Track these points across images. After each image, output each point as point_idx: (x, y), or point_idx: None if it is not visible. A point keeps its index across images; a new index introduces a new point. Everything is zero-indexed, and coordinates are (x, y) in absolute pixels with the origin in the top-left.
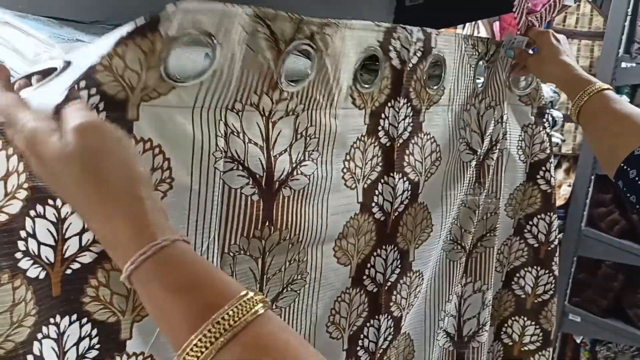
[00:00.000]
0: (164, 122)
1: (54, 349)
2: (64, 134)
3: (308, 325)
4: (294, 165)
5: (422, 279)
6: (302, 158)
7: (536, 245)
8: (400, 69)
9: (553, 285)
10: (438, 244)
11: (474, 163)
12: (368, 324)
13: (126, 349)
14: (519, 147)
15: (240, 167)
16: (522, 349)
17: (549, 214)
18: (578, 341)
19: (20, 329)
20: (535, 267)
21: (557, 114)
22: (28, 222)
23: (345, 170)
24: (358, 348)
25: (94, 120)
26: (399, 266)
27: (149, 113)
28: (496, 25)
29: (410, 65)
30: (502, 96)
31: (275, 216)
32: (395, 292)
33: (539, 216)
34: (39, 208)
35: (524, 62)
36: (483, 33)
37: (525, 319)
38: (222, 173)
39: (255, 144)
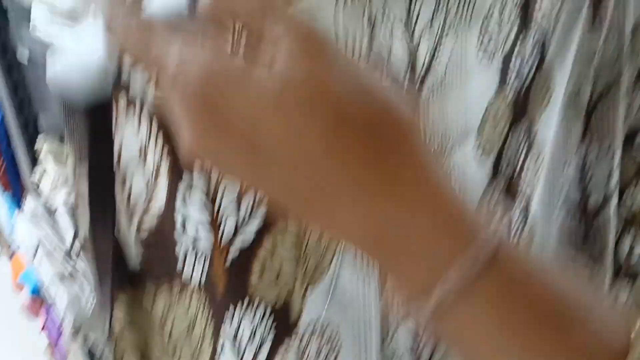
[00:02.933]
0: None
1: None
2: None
3: None
4: (434, 47)
5: (544, 151)
6: (440, 35)
7: None
8: None
9: None
10: (556, 107)
11: None
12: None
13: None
14: None
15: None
16: None
17: None
18: None
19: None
20: None
21: None
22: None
23: (480, 45)
24: None
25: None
26: (526, 143)
27: None
28: None
29: None
30: None
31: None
32: (522, 175)
33: None
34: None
35: None
36: None
37: None
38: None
39: (400, 20)
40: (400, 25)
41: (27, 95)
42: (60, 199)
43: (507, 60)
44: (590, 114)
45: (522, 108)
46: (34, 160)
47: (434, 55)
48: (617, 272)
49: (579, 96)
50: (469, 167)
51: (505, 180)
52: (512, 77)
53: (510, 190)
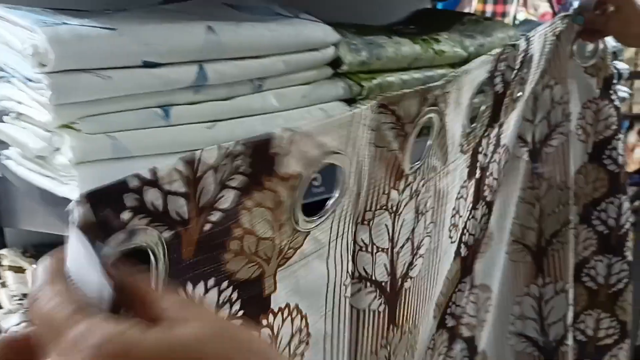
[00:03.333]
0: (300, 277)
1: None
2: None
3: None
4: (414, 252)
5: (491, 291)
6: (421, 240)
7: (606, 231)
8: (502, 92)
9: (627, 272)
10: (500, 250)
11: (526, 155)
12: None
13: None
14: (578, 126)
15: (368, 284)
16: (598, 344)
17: (617, 196)
18: None
19: None
20: (606, 255)
21: (623, 67)
22: None
23: (451, 227)
24: None
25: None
26: (463, 282)
27: (285, 277)
28: None
29: (512, 84)
30: (564, 72)
31: (398, 315)
32: (460, 312)
33: (607, 200)
34: None
35: (598, 27)
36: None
37: (600, 311)
38: (348, 298)
39: (383, 249)
40: (384, 254)
41: None
42: (13, 322)
43: (462, 232)
44: (542, 256)
45: (470, 265)
46: None
47: (411, 263)
48: None
49: (524, 241)
50: (429, 326)
51: (451, 328)
52: (466, 242)
53: (454, 329)
